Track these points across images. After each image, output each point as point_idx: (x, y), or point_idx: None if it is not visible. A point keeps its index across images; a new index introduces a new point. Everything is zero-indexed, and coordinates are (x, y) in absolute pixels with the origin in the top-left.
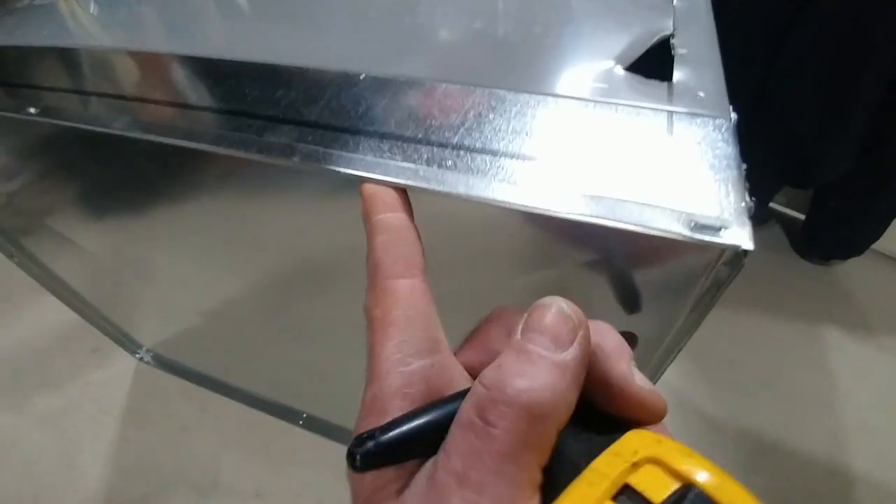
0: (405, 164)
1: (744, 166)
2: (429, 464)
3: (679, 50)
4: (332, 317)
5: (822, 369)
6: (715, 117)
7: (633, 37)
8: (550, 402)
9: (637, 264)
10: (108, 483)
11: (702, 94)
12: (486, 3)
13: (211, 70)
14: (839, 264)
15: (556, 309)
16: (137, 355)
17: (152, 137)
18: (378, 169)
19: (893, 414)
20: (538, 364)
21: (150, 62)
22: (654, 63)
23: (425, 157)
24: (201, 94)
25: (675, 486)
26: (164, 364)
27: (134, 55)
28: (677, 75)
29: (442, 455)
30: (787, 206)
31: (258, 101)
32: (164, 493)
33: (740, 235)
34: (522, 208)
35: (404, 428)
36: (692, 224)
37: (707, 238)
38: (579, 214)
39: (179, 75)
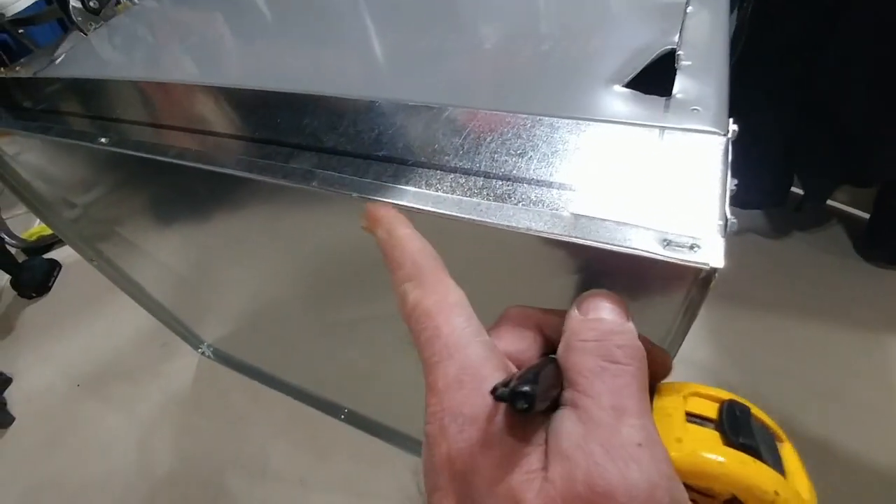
0: (406, 188)
1: (733, 182)
2: (563, 421)
3: (683, 62)
4: (368, 321)
5: (884, 381)
6: (708, 133)
7: (638, 51)
8: (641, 347)
9: (618, 281)
10: (172, 466)
11: (699, 108)
12: (495, 22)
13: (246, 101)
14: None
15: (606, 295)
16: (200, 350)
17: (198, 165)
18: (384, 192)
19: None
20: (624, 326)
21: (194, 95)
22: (657, 77)
23: (424, 180)
24: (238, 125)
25: (716, 405)
26: (223, 358)
27: (185, 88)
28: (677, 89)
29: (586, 401)
30: (850, 204)
31: (286, 130)
32: (220, 476)
33: (712, 254)
34: (505, 228)
35: (540, 378)
36: (664, 242)
37: (678, 256)
38: (557, 234)
39: (220, 106)
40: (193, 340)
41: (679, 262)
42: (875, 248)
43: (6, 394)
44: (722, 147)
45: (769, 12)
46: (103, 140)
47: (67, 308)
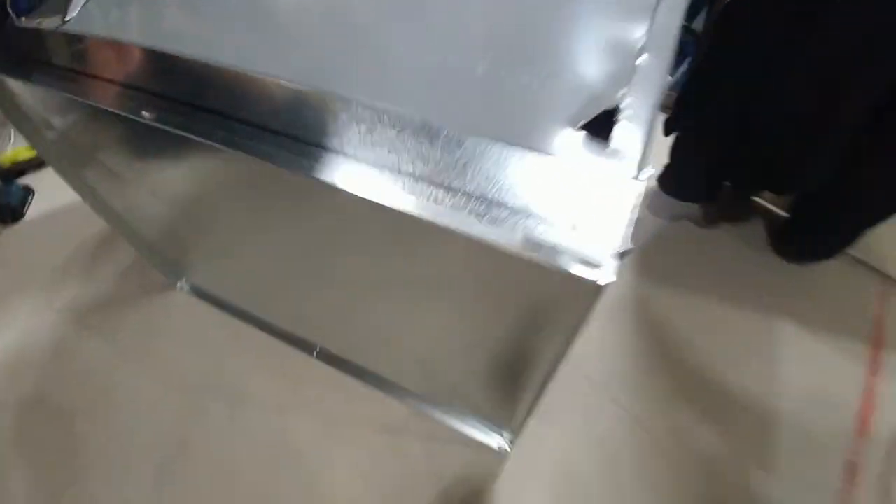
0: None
1: (635, 215)
2: None
3: (622, 116)
4: (339, 275)
5: (769, 354)
6: (628, 175)
7: (594, 98)
8: None
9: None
10: (153, 391)
11: (626, 157)
12: (467, 46)
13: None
14: (813, 265)
15: None
16: (178, 285)
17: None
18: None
19: (820, 408)
20: None
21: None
22: (601, 125)
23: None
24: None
25: None
26: (200, 294)
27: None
28: (614, 137)
29: None
30: (772, 202)
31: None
32: (203, 403)
33: (604, 272)
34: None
35: None
36: (569, 259)
37: (577, 273)
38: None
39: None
40: (172, 275)
41: (578, 277)
42: (784, 246)
43: None
44: (639, 187)
45: (724, 39)
46: (146, 114)
47: (43, 234)
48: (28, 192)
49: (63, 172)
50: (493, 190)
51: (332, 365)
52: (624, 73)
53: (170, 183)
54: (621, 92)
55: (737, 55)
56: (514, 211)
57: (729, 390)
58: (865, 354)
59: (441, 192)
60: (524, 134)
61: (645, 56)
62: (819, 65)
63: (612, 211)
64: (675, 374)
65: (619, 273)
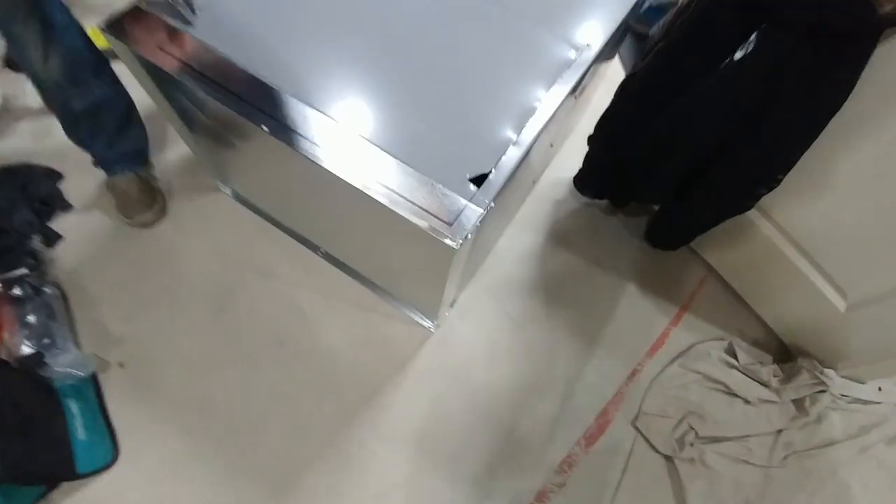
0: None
1: (479, 220)
2: None
3: (491, 176)
4: (332, 210)
5: (613, 303)
6: (483, 201)
7: (487, 154)
8: None
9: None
10: (207, 261)
11: (485, 199)
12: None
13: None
14: (665, 251)
15: None
16: (225, 190)
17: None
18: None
19: (633, 333)
20: None
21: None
22: (477, 177)
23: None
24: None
25: None
26: (240, 199)
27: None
28: (482, 184)
29: None
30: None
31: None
32: (242, 272)
33: (453, 236)
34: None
35: None
36: (434, 223)
37: (434, 235)
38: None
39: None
40: (219, 180)
41: (435, 236)
42: (649, 236)
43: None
44: (478, 213)
45: (617, 101)
46: (265, 128)
47: None
48: None
49: (156, 97)
50: (415, 196)
51: (330, 262)
52: (498, 152)
53: (234, 128)
54: (490, 167)
55: (621, 112)
56: (423, 207)
57: (579, 318)
58: (673, 312)
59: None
60: (440, 175)
61: (510, 148)
62: (667, 123)
63: (469, 214)
64: (549, 300)
65: (469, 243)
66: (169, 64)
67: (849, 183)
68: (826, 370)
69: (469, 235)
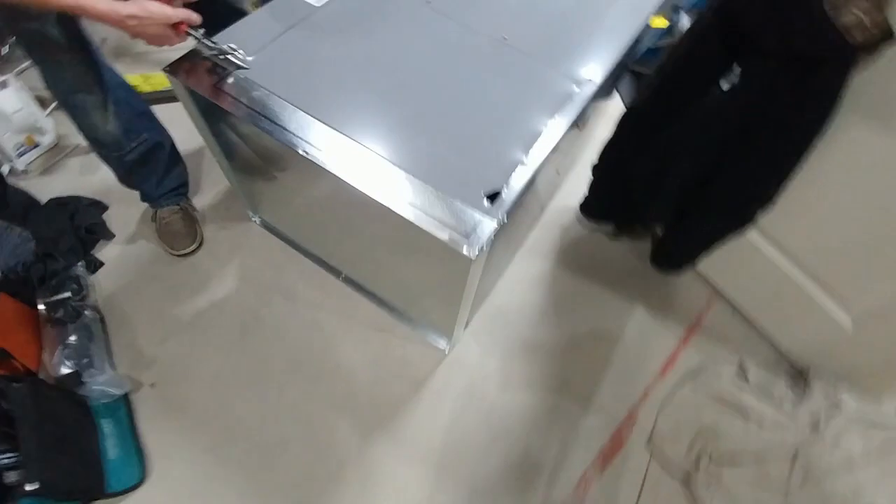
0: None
1: (493, 234)
2: None
3: (504, 193)
4: (355, 232)
5: (621, 324)
6: (496, 216)
7: (499, 175)
8: None
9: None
10: (236, 284)
11: (498, 215)
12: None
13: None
14: (670, 275)
15: None
16: (253, 219)
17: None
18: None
19: (642, 353)
20: None
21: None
22: (491, 194)
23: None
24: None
25: None
26: (268, 227)
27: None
28: (498, 200)
29: None
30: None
31: None
32: (269, 295)
33: (471, 247)
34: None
35: None
36: (453, 235)
37: (454, 245)
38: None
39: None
40: (251, 210)
41: (453, 247)
42: (654, 260)
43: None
44: (493, 226)
45: (616, 136)
46: (300, 151)
47: None
48: None
49: (204, 133)
50: (434, 211)
51: (350, 285)
52: (509, 172)
53: (273, 157)
54: (503, 184)
55: (622, 140)
56: (442, 221)
57: (589, 340)
58: (682, 333)
59: (416, 209)
60: (458, 193)
61: (518, 168)
62: (665, 148)
63: (484, 229)
64: (560, 322)
65: (484, 254)
66: (222, 100)
67: (839, 199)
68: (839, 390)
69: (485, 247)
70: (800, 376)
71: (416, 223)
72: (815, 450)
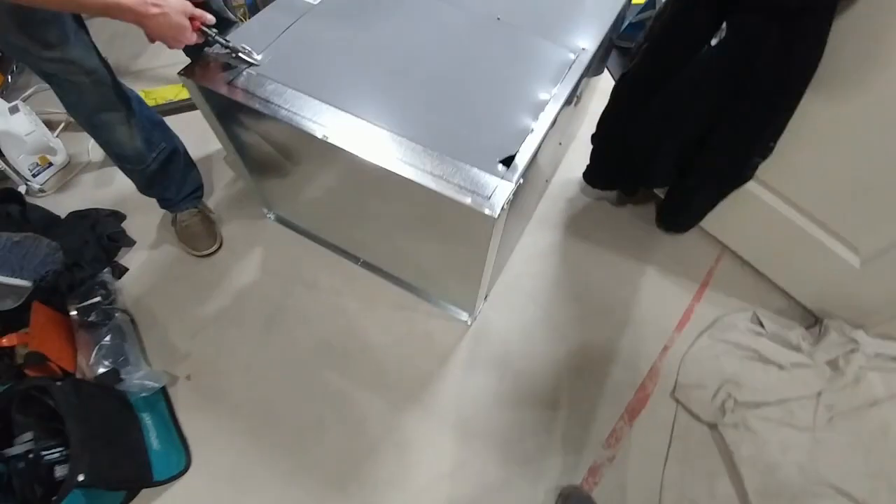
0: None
1: (511, 196)
2: None
3: (518, 156)
4: (373, 216)
5: (635, 286)
6: (512, 179)
7: (512, 139)
8: None
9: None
10: (258, 278)
11: (515, 175)
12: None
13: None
14: (676, 234)
15: None
16: (267, 216)
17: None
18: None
19: (657, 313)
20: None
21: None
22: (506, 159)
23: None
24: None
25: None
26: (282, 222)
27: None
28: (510, 164)
29: None
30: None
31: None
32: (290, 286)
33: (492, 207)
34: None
35: None
36: (475, 199)
37: (476, 207)
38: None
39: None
40: (265, 208)
41: (476, 209)
42: (660, 221)
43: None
44: (510, 188)
45: (613, 100)
46: (319, 135)
47: None
48: None
49: (221, 135)
50: (454, 178)
51: (369, 270)
52: (519, 138)
53: (287, 148)
54: (516, 149)
55: (619, 107)
56: (462, 187)
57: (605, 302)
58: (694, 290)
59: (437, 179)
60: (476, 159)
61: (526, 134)
62: (661, 109)
63: (502, 191)
64: (575, 289)
65: (505, 213)
66: (239, 96)
67: (836, 140)
68: (855, 329)
69: (505, 206)
70: (814, 321)
71: (440, 192)
72: (837, 388)
